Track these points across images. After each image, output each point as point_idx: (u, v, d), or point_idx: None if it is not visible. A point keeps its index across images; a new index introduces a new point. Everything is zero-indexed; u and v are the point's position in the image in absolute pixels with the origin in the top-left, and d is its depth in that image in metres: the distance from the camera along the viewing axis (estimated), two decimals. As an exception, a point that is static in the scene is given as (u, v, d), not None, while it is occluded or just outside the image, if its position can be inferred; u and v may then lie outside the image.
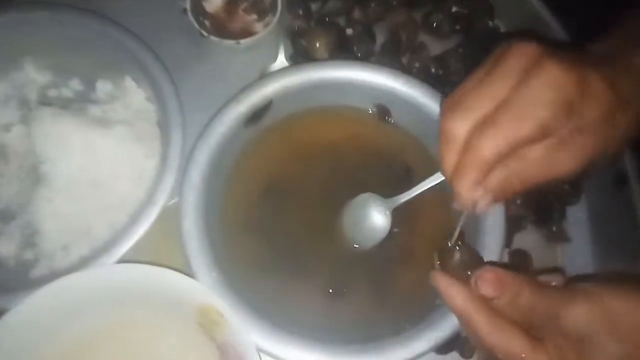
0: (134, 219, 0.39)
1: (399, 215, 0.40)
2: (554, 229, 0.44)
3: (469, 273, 0.31)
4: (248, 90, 0.42)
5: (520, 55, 0.29)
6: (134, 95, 0.44)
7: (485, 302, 0.29)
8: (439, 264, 0.33)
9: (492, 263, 0.32)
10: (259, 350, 0.35)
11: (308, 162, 0.43)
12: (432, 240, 0.42)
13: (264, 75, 0.44)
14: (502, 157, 0.29)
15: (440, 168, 0.31)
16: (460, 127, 0.29)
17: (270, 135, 0.44)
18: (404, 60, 0.48)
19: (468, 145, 0.29)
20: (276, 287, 0.40)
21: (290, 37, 0.48)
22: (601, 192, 0.45)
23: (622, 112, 0.30)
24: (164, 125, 0.41)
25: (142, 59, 0.43)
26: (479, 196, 0.30)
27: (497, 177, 0.30)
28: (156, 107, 0.43)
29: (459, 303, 0.30)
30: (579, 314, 0.27)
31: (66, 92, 0.46)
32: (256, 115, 0.42)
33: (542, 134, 0.29)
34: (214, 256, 0.37)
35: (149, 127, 0.43)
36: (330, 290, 0.40)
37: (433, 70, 0.47)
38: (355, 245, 0.41)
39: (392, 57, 0.47)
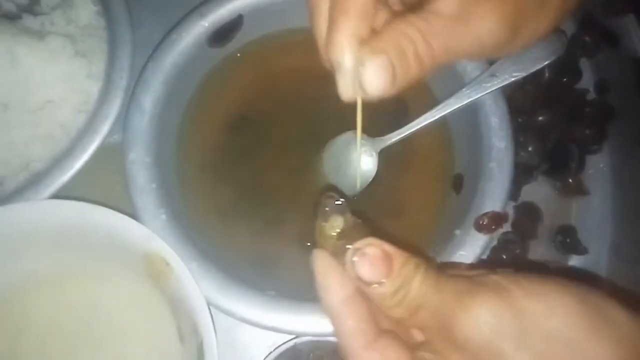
0: (72, 149, 0.33)
1: (389, 159, 0.34)
2: (571, 180, 0.38)
3: (348, 247, 0.21)
4: (213, 1, 0.35)
5: None
6: (82, 8, 0.37)
7: (366, 306, 0.22)
8: (316, 233, 0.24)
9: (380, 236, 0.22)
10: (214, 306, 0.30)
11: (284, 93, 0.37)
12: (427, 191, 0.36)
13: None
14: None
15: (312, 32, 0.23)
16: None
17: (240, 59, 0.37)
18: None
19: None
20: (240, 237, 0.34)
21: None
22: (629, 140, 0.38)
23: None
24: (111, 42, 0.35)
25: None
26: (363, 56, 0.21)
27: (394, 31, 0.21)
28: (106, 22, 0.36)
29: (333, 302, 0.22)
30: (481, 318, 0.19)
31: (8, 5, 0.39)
32: (223, 34, 0.35)
33: None
34: (164, 196, 0.32)
35: (97, 44, 0.36)
36: (308, 244, 0.34)
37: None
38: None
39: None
